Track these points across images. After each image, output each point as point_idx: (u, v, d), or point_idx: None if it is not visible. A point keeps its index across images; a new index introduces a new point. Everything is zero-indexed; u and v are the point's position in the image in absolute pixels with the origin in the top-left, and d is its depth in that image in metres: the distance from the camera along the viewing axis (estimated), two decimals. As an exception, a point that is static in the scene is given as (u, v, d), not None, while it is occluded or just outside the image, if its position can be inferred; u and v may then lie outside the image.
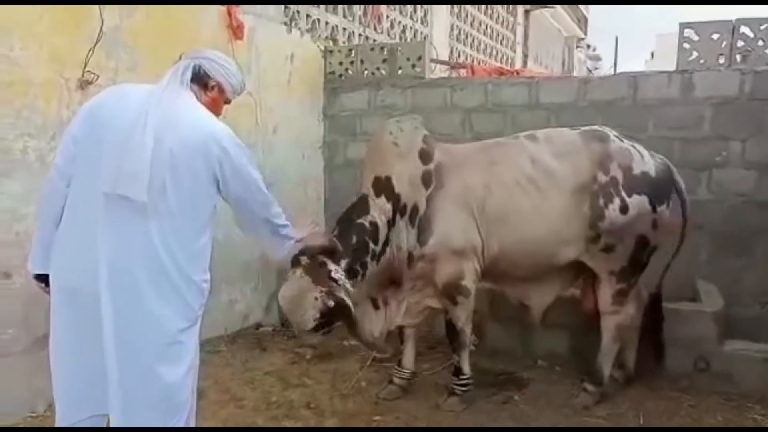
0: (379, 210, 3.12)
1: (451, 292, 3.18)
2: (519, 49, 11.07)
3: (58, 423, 2.03)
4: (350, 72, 5.18)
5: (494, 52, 9.75)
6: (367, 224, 3.08)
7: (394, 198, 3.14)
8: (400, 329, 3.44)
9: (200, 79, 2.14)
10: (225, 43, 4.15)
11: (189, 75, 2.09)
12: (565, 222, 3.17)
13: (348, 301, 2.86)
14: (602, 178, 3.17)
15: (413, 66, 4.95)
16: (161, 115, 1.92)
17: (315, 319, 2.84)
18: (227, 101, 2.30)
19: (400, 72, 5.02)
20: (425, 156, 3.21)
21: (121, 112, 1.94)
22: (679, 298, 3.80)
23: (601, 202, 3.15)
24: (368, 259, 3.06)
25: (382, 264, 3.14)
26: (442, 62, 6.80)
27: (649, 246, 3.25)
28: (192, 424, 2.14)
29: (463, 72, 6.65)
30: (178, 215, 1.95)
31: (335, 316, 2.89)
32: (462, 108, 4.81)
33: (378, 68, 5.09)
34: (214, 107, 2.21)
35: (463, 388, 3.30)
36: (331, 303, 2.83)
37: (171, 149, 1.92)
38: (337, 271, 2.85)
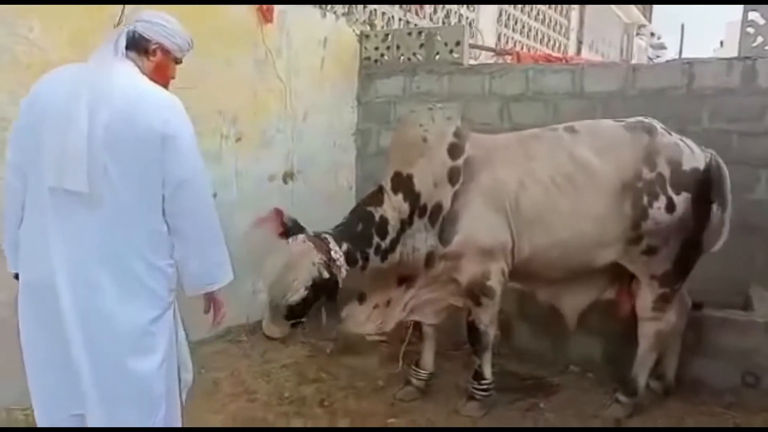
0: (393, 207, 2.96)
1: (475, 292, 2.99)
2: (573, 35, 10.60)
3: (38, 424, 1.97)
4: (386, 57, 5.00)
5: (546, 39, 9.35)
6: (376, 216, 2.94)
7: (412, 197, 2.97)
8: (419, 327, 3.28)
9: (138, 45, 1.97)
10: (254, 26, 4.06)
11: (123, 42, 1.93)
12: (605, 223, 2.92)
13: (340, 280, 2.74)
14: (647, 175, 2.90)
15: (451, 51, 4.73)
16: (94, 93, 1.80)
17: (306, 288, 2.65)
18: (178, 61, 2.13)
19: (437, 57, 4.81)
20: (455, 151, 3.01)
21: (56, 96, 1.84)
22: (729, 305, 3.49)
23: (645, 200, 2.89)
24: (370, 251, 2.91)
25: (389, 263, 2.98)
26: (485, 48, 6.54)
27: (696, 248, 2.97)
28: (175, 419, 2.09)
29: (508, 59, 6.37)
30: (128, 199, 1.85)
31: (322, 293, 2.72)
32: (501, 96, 4.56)
33: (414, 54, 4.90)
34: (162, 72, 2.05)
35: (484, 393, 3.12)
36: (326, 274, 2.68)
37: (107, 129, 1.79)
38: (336, 251, 2.73)
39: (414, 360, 3.38)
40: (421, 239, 2.97)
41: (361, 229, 2.91)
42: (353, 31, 4.99)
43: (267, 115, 4.26)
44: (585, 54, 10.96)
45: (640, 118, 3.13)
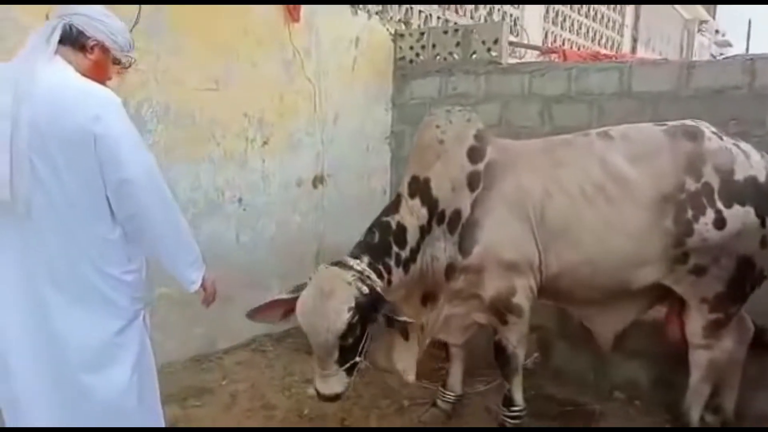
0: (410, 212, 2.75)
1: (500, 309, 2.74)
2: (627, 32, 10.10)
3: None
4: (421, 57, 4.78)
5: (597, 36, 8.91)
6: (393, 224, 2.71)
7: (430, 202, 2.75)
8: (446, 346, 3.05)
9: (75, 41, 1.84)
10: (281, 26, 3.92)
11: (57, 37, 1.80)
12: (642, 239, 2.62)
13: (378, 289, 2.47)
14: (692, 185, 2.59)
15: (489, 50, 4.47)
16: (16, 94, 1.66)
17: (349, 309, 2.34)
18: (117, 62, 1.98)
19: (474, 57, 4.56)
20: (475, 155, 2.77)
21: None
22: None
23: (690, 214, 2.57)
24: (392, 262, 2.65)
25: (412, 276, 2.75)
26: (529, 46, 6.23)
27: (756, 269, 2.63)
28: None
29: (554, 57, 6.05)
30: (64, 205, 1.74)
31: (368, 313, 2.43)
32: (541, 96, 4.26)
33: (451, 53, 4.65)
34: (99, 71, 1.91)
35: (514, 421, 2.86)
36: (366, 289, 2.42)
37: (32, 128, 1.67)
38: (359, 264, 2.51)
39: (441, 381, 3.15)
40: (440, 248, 2.75)
41: (378, 241, 2.68)
42: (387, 30, 4.80)
43: (295, 118, 4.11)
44: (641, 52, 10.44)
45: (686, 121, 2.81)
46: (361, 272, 2.48)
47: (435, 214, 2.74)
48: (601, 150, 2.72)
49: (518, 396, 2.87)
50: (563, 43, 7.88)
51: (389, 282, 2.64)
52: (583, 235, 2.66)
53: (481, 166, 2.76)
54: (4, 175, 1.64)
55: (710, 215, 2.54)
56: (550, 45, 7.52)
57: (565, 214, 2.67)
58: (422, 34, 4.79)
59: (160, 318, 3.44)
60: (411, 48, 4.81)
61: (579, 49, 8.04)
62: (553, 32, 7.77)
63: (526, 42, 6.74)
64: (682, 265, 2.63)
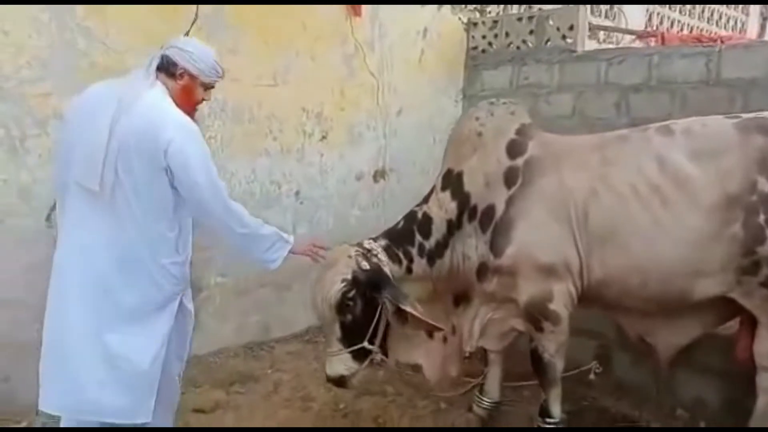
0: (439, 205, 2.67)
1: (536, 315, 2.57)
2: (756, 11, 9.05)
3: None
4: (494, 46, 4.59)
5: (715, 17, 8.08)
6: (419, 214, 2.68)
7: (461, 196, 2.65)
8: (484, 351, 2.93)
9: (167, 69, 2.23)
10: (342, 20, 3.93)
11: (154, 66, 2.22)
12: (701, 246, 2.34)
13: (387, 271, 2.49)
14: (765, 186, 2.28)
15: (564, 37, 4.20)
16: (119, 107, 2.09)
17: (344, 281, 2.40)
18: (207, 86, 2.33)
19: (548, 44, 4.31)
20: (515, 149, 2.63)
21: (88, 106, 2.17)
22: None
23: (762, 218, 2.27)
24: (413, 250, 2.62)
25: (439, 271, 2.68)
26: (620, 30, 5.78)
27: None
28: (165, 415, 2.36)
29: (652, 42, 5.57)
30: (133, 201, 2.14)
31: (368, 288, 2.44)
32: (618, 86, 3.93)
33: (524, 41, 4.43)
34: (187, 94, 2.27)
35: (551, 433, 2.69)
36: (366, 264, 2.45)
37: (121, 138, 2.08)
38: (372, 246, 2.57)
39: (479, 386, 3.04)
40: (471, 246, 2.64)
41: (402, 227, 2.70)
42: (459, 19, 4.65)
43: (356, 112, 4.12)
44: (772, 33, 9.34)
45: (764, 113, 2.47)
46: (368, 250, 2.51)
47: (466, 209, 2.64)
48: (660, 146, 2.46)
49: (555, 408, 2.69)
50: (671, 25, 7.23)
51: (409, 270, 2.64)
52: (632, 240, 2.43)
53: (520, 162, 2.61)
54: (98, 170, 2.08)
55: None
56: (655, 27, 6.94)
57: (613, 216, 2.45)
58: (495, 22, 4.60)
59: (217, 306, 3.64)
60: (484, 37, 4.63)
61: (691, 31, 7.35)
62: (659, 13, 7.15)
63: (623, 26, 6.27)
64: (753, 276, 2.33)
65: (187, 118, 2.22)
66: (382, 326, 2.54)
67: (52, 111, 2.88)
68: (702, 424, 2.99)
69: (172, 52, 2.23)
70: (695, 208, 2.33)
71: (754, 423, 2.51)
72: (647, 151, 2.46)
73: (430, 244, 2.67)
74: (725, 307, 2.50)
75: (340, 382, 2.56)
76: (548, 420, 2.68)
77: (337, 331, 2.49)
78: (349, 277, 2.44)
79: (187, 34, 3.24)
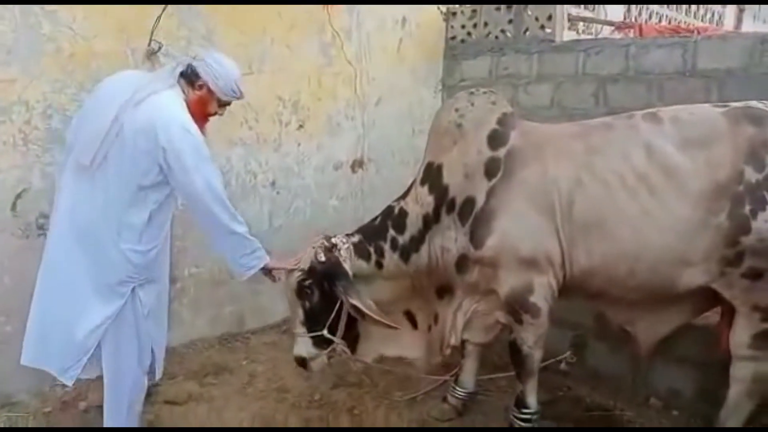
0: (416, 200, 2.65)
1: (516, 308, 2.55)
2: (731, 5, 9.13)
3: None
4: (473, 36, 4.57)
5: (693, 9, 8.13)
6: (396, 209, 2.70)
7: (439, 190, 2.62)
8: (461, 342, 2.92)
9: (189, 78, 2.42)
10: (318, 8, 3.86)
11: (178, 71, 2.41)
12: (689, 236, 2.33)
13: (346, 266, 2.59)
14: (752, 176, 2.26)
15: (542, 27, 4.19)
16: (131, 99, 2.26)
17: (301, 272, 2.60)
18: (223, 103, 2.52)
19: (527, 34, 4.29)
20: (496, 140, 2.59)
21: (105, 93, 2.38)
22: None
23: (747, 209, 2.26)
24: (386, 246, 2.67)
25: (416, 265, 2.67)
26: (599, 21, 5.79)
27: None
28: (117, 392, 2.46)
29: (631, 33, 5.58)
30: (112, 184, 2.30)
31: (326, 279, 2.59)
32: (596, 76, 3.93)
33: (503, 30, 4.41)
34: (201, 105, 2.45)
35: (525, 423, 2.68)
36: (322, 257, 2.58)
37: (122, 126, 2.26)
38: (340, 240, 2.64)
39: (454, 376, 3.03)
40: (451, 238, 2.61)
41: (377, 223, 2.74)
42: (439, 9, 4.61)
43: (333, 101, 4.07)
44: (749, 27, 9.42)
45: (750, 102, 2.46)
46: (334, 245, 2.62)
47: (444, 201, 2.62)
48: (647, 134, 2.43)
49: (532, 399, 2.68)
50: (650, 17, 7.27)
51: (379, 264, 2.69)
52: (619, 228, 2.41)
53: (501, 153, 2.57)
54: (94, 148, 2.25)
55: None
56: (634, 19, 6.96)
57: (599, 206, 2.43)
58: (474, 11, 4.57)
59: (191, 297, 3.59)
60: (463, 26, 4.60)
61: (669, 22, 7.38)
62: (638, 6, 7.17)
63: (603, 17, 6.28)
64: (735, 267, 2.33)
65: (191, 122, 2.35)
66: (343, 318, 2.64)
67: (16, 97, 2.81)
68: (675, 413, 3.01)
69: (198, 64, 2.41)
70: (683, 197, 2.31)
71: (726, 412, 2.53)
72: (634, 139, 2.43)
73: (404, 238, 2.68)
74: (704, 297, 2.51)
75: (301, 362, 2.73)
76: (524, 410, 2.67)
77: (300, 314, 2.68)
78: (306, 267, 2.60)
79: (157, 20, 3.17)
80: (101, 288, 2.34)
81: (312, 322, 2.66)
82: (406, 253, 2.68)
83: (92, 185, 2.31)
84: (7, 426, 2.76)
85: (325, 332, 2.64)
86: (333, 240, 2.64)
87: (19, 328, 2.88)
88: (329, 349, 2.69)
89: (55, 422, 2.80)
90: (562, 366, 3.37)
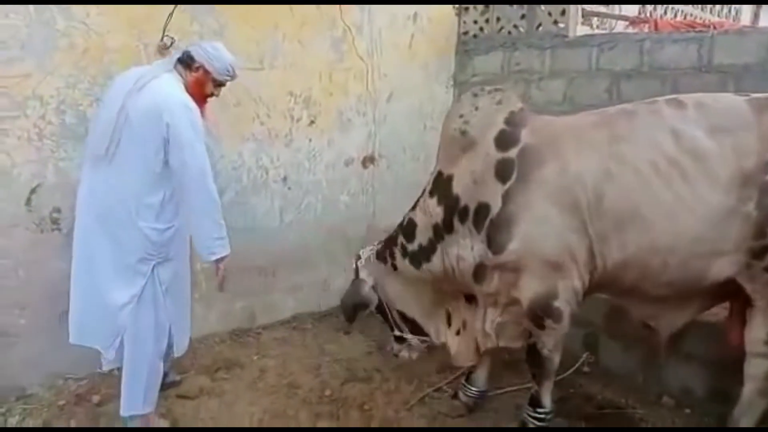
0: (424, 210, 2.66)
1: (538, 314, 2.48)
2: None
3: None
4: (485, 31, 4.54)
5: (709, 6, 8.01)
6: (406, 219, 2.78)
7: (449, 200, 2.58)
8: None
9: (185, 63, 2.60)
10: (330, 5, 3.85)
11: (175, 58, 2.61)
12: (722, 224, 2.25)
13: (362, 272, 2.98)
14: None
15: (555, 22, 4.15)
16: (134, 87, 2.44)
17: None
18: (219, 83, 2.68)
19: (540, 29, 4.26)
20: (505, 140, 2.50)
21: (114, 88, 2.53)
22: None
23: None
24: (397, 252, 2.78)
25: (431, 272, 2.71)
26: (613, 16, 5.72)
27: None
28: (139, 368, 2.56)
29: (645, 28, 5.52)
30: (127, 168, 2.46)
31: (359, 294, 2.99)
32: (610, 72, 3.89)
33: (515, 26, 4.37)
34: (199, 86, 2.62)
35: (539, 423, 2.66)
36: (354, 264, 3.03)
37: (130, 111, 2.42)
38: (366, 250, 3.03)
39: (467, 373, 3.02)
40: (466, 246, 2.55)
41: (395, 230, 2.88)
42: (450, 3, 4.58)
43: (345, 97, 4.06)
44: (766, 22, 9.28)
45: None
46: (358, 257, 3.03)
47: (456, 211, 2.57)
48: (673, 119, 2.34)
49: (546, 399, 2.65)
50: (665, 12, 7.17)
51: (394, 267, 2.83)
52: (655, 219, 2.30)
53: (512, 153, 2.48)
54: (107, 138, 2.43)
55: None
56: (649, 14, 6.88)
57: (633, 195, 2.32)
58: (487, 6, 4.54)
59: (203, 292, 3.59)
60: (475, 22, 4.58)
61: (684, 17, 7.29)
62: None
63: (617, 12, 6.21)
64: (759, 260, 2.27)
65: (190, 100, 2.52)
66: (393, 316, 2.99)
67: (31, 92, 2.83)
68: (687, 412, 2.98)
69: (193, 49, 2.60)
70: (715, 183, 2.24)
71: (739, 410, 2.50)
72: (660, 125, 2.34)
73: (413, 246, 2.74)
74: (722, 289, 2.43)
75: (395, 356, 3.18)
76: (539, 410, 2.65)
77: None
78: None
79: (170, 16, 3.18)
80: (125, 268, 2.49)
81: (389, 325, 3.05)
82: (416, 260, 2.72)
83: (108, 172, 2.46)
84: (22, 418, 2.79)
85: (396, 332, 3.02)
86: (360, 252, 3.07)
87: (33, 322, 2.94)
88: (405, 344, 3.04)
89: (69, 415, 2.82)
90: (585, 369, 3.37)
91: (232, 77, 2.70)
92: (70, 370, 3.08)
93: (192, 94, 2.56)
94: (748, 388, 2.48)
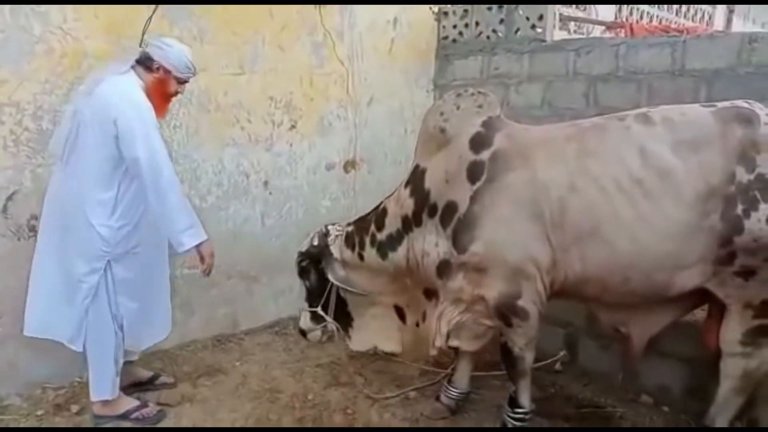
0: (397, 200, 2.69)
1: (505, 312, 2.54)
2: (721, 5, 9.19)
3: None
4: (464, 36, 4.58)
5: (683, 9, 8.18)
6: (381, 206, 2.83)
7: (419, 193, 2.63)
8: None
9: (145, 63, 2.62)
10: (310, 8, 3.86)
11: (132, 59, 2.62)
12: (684, 240, 2.31)
13: (334, 249, 2.94)
14: (744, 177, 2.25)
15: (533, 27, 4.20)
16: (86, 89, 2.56)
17: (299, 254, 3.02)
18: (181, 81, 2.69)
19: (518, 34, 4.31)
20: (479, 143, 2.55)
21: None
22: None
23: (740, 209, 2.25)
24: (367, 239, 2.84)
25: (395, 265, 2.72)
26: (590, 21, 5.82)
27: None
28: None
29: (621, 33, 5.62)
30: (80, 167, 2.54)
31: (312, 260, 2.97)
32: (586, 76, 3.94)
33: (494, 30, 4.42)
34: (161, 86, 2.64)
35: (518, 423, 2.69)
36: (316, 242, 2.97)
37: (82, 114, 2.53)
38: (334, 226, 3.02)
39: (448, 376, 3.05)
40: (431, 242, 2.60)
41: (367, 216, 2.91)
42: (430, 9, 4.62)
43: (325, 101, 4.07)
44: (738, 27, 9.48)
45: (738, 102, 2.47)
46: (327, 232, 2.99)
47: (426, 205, 2.61)
48: (641, 137, 2.39)
49: (524, 398, 2.69)
50: (641, 17, 7.31)
51: (360, 256, 2.88)
52: (615, 234, 2.36)
53: (485, 156, 2.53)
54: (62, 141, 2.56)
55: (764, 211, 2.22)
56: (625, 19, 7.00)
57: (595, 211, 2.37)
58: (466, 11, 4.58)
59: (184, 298, 3.58)
60: (454, 26, 4.61)
61: (660, 22, 7.42)
62: (629, 6, 7.21)
63: (594, 17, 6.31)
64: (727, 266, 2.32)
65: (140, 97, 2.55)
66: (333, 299, 2.98)
67: (6, 98, 2.79)
68: (665, 409, 3.03)
69: (150, 49, 2.62)
70: (678, 200, 2.29)
71: (716, 408, 2.54)
72: (628, 142, 2.39)
73: (381, 236, 2.77)
74: (696, 295, 2.50)
75: (301, 333, 3.16)
76: (517, 410, 2.68)
77: (305, 291, 3.06)
78: (303, 250, 3.00)
79: (149, 20, 3.16)
80: (82, 262, 2.57)
81: (310, 299, 3.03)
82: (382, 249, 2.75)
83: (65, 172, 2.58)
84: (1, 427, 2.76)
85: (318, 309, 2.99)
86: (329, 227, 2.99)
87: (9, 330, 2.90)
88: (322, 325, 3.03)
89: (48, 425, 2.78)
90: (557, 366, 3.41)
91: (193, 73, 2.72)
92: (48, 379, 3.04)
93: (153, 95, 2.61)
94: (724, 387, 2.52)
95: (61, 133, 2.58)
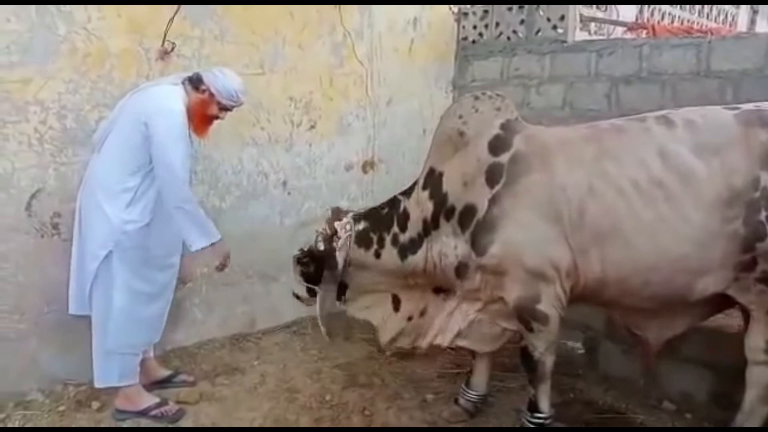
0: (417, 203, 2.65)
1: (525, 317, 2.52)
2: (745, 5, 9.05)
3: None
4: (485, 36, 4.55)
5: (706, 9, 8.06)
6: (401, 206, 2.74)
7: (438, 197, 2.61)
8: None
9: (194, 83, 2.79)
10: (330, 8, 3.86)
11: (185, 76, 2.82)
12: (705, 244, 2.28)
13: (339, 256, 2.75)
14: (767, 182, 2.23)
15: (554, 27, 4.17)
16: (132, 92, 2.78)
17: (303, 253, 2.90)
18: (223, 107, 2.83)
19: (539, 35, 4.27)
20: (498, 145, 2.53)
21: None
22: None
23: (764, 215, 2.22)
24: (387, 238, 2.74)
25: (413, 267, 2.68)
26: (612, 22, 5.75)
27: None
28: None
29: (643, 33, 5.54)
30: (108, 158, 2.69)
31: (317, 263, 2.83)
32: (608, 77, 3.90)
33: (514, 31, 4.39)
34: (201, 106, 2.79)
35: (537, 427, 2.66)
36: (321, 245, 2.80)
37: (120, 113, 2.73)
38: (345, 227, 2.79)
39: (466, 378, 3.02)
40: (450, 245, 2.59)
41: (385, 213, 2.79)
42: (450, 9, 4.60)
43: (345, 102, 4.07)
44: (762, 27, 9.33)
45: (762, 104, 2.42)
46: (334, 232, 2.80)
47: (444, 208, 2.60)
48: (661, 139, 2.36)
49: (544, 403, 2.65)
50: (662, 18, 7.21)
51: (377, 255, 2.77)
52: (635, 238, 2.34)
53: (504, 159, 2.51)
54: (103, 133, 2.76)
55: None
56: (646, 20, 6.91)
57: (614, 213, 2.35)
58: (486, 11, 4.55)
59: (203, 297, 3.60)
60: (474, 27, 4.58)
61: (682, 23, 7.33)
62: (651, 7, 7.12)
63: (615, 18, 6.24)
64: (749, 272, 2.29)
65: (177, 107, 2.69)
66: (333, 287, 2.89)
67: (32, 97, 2.82)
68: (688, 417, 2.98)
69: (204, 72, 2.80)
70: (700, 204, 2.26)
71: (741, 416, 2.49)
72: (648, 144, 2.36)
73: (404, 237, 2.71)
74: (716, 300, 2.46)
75: (295, 296, 3.08)
76: (537, 415, 2.64)
77: (297, 271, 2.96)
78: (306, 249, 2.91)
79: (170, 21, 3.17)
80: (92, 248, 2.69)
81: (308, 281, 2.94)
82: (404, 251, 2.70)
83: (95, 160, 2.74)
84: (21, 424, 2.78)
85: (316, 288, 2.92)
86: (337, 225, 2.81)
87: (32, 327, 2.93)
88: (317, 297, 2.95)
89: (68, 421, 2.81)
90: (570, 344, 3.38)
91: (237, 104, 2.86)
92: (69, 376, 3.06)
93: (194, 113, 2.76)
94: (750, 395, 2.48)
95: (102, 127, 2.77)
